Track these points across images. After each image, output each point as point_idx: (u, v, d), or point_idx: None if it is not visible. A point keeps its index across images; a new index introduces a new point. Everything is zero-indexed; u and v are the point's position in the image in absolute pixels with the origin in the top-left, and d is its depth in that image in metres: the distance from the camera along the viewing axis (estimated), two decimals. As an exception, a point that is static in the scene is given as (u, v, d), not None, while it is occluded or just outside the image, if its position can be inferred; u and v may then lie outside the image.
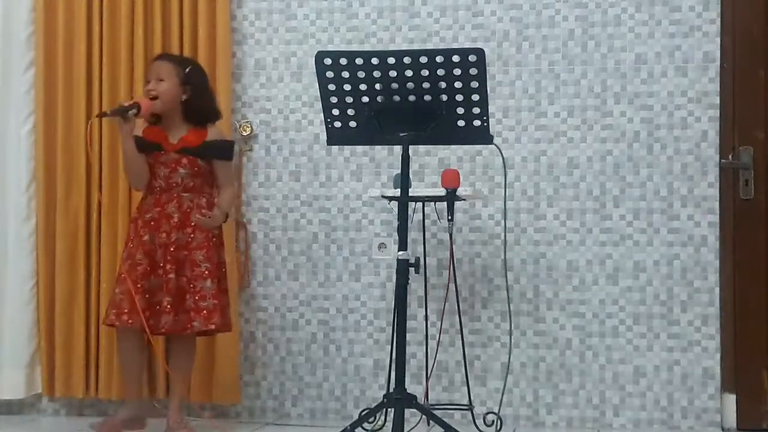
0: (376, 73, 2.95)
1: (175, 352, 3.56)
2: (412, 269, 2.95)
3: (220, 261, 3.53)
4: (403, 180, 3.04)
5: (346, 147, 3.91)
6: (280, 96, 3.99)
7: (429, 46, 3.84)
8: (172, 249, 3.43)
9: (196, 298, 3.41)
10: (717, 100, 3.74)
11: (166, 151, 3.48)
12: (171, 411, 3.50)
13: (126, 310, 3.36)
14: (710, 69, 3.74)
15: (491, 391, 3.80)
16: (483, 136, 3.05)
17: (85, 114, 3.93)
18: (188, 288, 3.42)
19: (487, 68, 2.94)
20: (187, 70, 3.52)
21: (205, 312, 3.40)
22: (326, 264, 3.94)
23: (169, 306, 3.38)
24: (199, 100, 3.52)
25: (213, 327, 3.42)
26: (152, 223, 3.46)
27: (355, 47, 3.87)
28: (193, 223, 3.46)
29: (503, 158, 3.58)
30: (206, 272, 3.43)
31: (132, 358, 3.54)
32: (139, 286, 3.37)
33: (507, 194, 3.75)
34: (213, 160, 3.53)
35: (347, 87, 2.99)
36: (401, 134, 3.01)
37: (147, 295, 3.39)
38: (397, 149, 3.18)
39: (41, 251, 3.96)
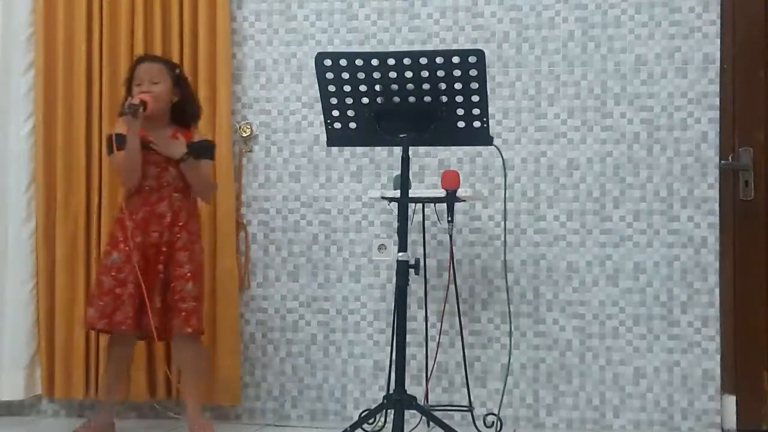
0: (376, 75, 2.95)
1: (179, 353, 3.54)
2: (412, 270, 2.94)
3: (201, 264, 3.55)
4: (403, 181, 3.04)
5: (346, 148, 3.91)
6: (280, 97, 3.99)
7: (429, 47, 3.84)
8: (164, 249, 3.42)
9: (176, 298, 3.40)
10: (717, 102, 3.74)
11: (157, 151, 3.46)
12: (189, 413, 3.48)
13: (131, 315, 3.36)
14: (710, 70, 3.74)
15: (491, 392, 3.80)
16: (483, 138, 3.05)
17: (85, 115, 3.93)
18: (170, 287, 3.41)
19: (487, 69, 2.94)
20: (177, 71, 3.57)
21: (184, 314, 3.39)
22: (326, 265, 3.94)
23: (160, 306, 3.39)
24: (187, 101, 3.56)
25: (190, 330, 3.41)
26: (142, 222, 3.45)
27: (355, 48, 3.87)
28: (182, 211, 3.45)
29: (503, 159, 3.58)
30: (189, 274, 3.43)
31: (122, 360, 3.55)
32: (131, 287, 3.37)
33: (507, 195, 3.75)
34: (199, 161, 3.52)
35: (347, 88, 2.99)
36: (401, 135, 3.00)
37: (139, 296, 3.38)
38: (397, 150, 3.18)
39: (41, 252, 3.96)
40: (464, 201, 3.63)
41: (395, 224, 3.75)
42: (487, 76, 2.95)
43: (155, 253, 3.42)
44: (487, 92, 2.96)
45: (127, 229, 3.43)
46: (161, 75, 3.50)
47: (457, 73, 2.92)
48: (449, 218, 3.52)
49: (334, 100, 3.03)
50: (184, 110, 3.55)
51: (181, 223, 3.47)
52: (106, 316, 3.39)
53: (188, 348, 3.50)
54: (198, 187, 3.55)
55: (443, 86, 2.94)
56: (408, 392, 2.97)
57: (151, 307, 3.37)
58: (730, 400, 3.72)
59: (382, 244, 3.91)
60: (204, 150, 3.56)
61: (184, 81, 3.60)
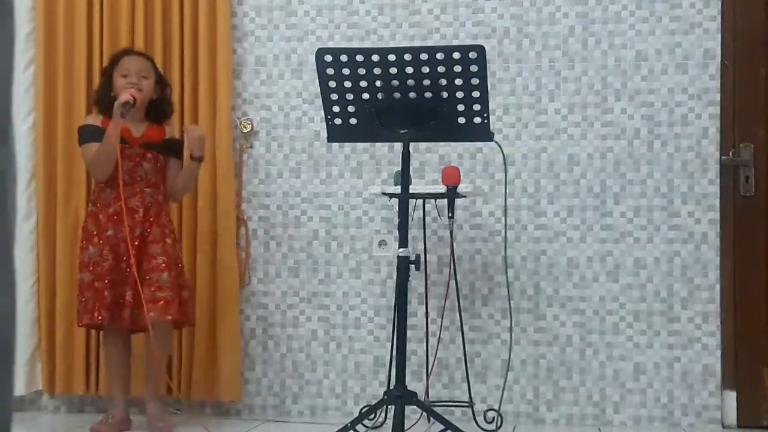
0: (377, 70, 2.95)
1: (156, 341, 3.51)
2: (412, 266, 2.94)
3: (177, 256, 3.55)
4: (404, 177, 3.04)
5: (346, 144, 3.91)
6: (280, 93, 3.99)
7: (429, 43, 3.84)
8: (135, 243, 3.42)
9: (152, 289, 3.39)
10: (717, 97, 3.73)
11: (131, 144, 3.49)
12: (152, 408, 3.50)
13: (97, 308, 3.39)
14: (711, 66, 3.74)
15: (491, 388, 3.80)
16: (483, 133, 3.05)
17: (86, 112, 3.92)
18: (144, 280, 3.41)
19: (488, 65, 2.94)
20: (160, 69, 3.63)
21: (162, 302, 3.39)
22: (326, 261, 3.94)
23: (131, 300, 3.39)
24: (164, 99, 3.61)
25: (169, 318, 3.40)
26: (115, 217, 3.45)
27: (355, 44, 3.87)
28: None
29: (504, 155, 3.58)
30: (163, 265, 3.43)
31: (120, 357, 3.56)
32: (106, 281, 3.39)
33: (507, 191, 3.75)
34: (170, 158, 3.61)
35: (348, 84, 2.99)
36: (402, 131, 3.00)
37: (113, 290, 3.41)
38: (398, 146, 3.17)
39: (41, 249, 3.96)
40: (465, 197, 3.63)
41: (396, 220, 3.75)
42: (488, 72, 2.95)
43: (126, 247, 3.41)
44: (487, 88, 2.96)
45: (100, 222, 3.46)
46: (149, 70, 3.55)
47: (457, 69, 2.91)
48: (450, 214, 3.52)
49: (334, 96, 3.03)
50: (161, 108, 3.60)
51: (151, 218, 3.50)
52: (88, 311, 3.42)
53: (164, 338, 3.48)
54: (187, 188, 3.64)
55: (444, 82, 2.94)
56: (408, 388, 2.97)
57: (124, 300, 3.39)
58: (731, 396, 3.72)
59: (383, 240, 3.90)
60: (180, 149, 3.65)
61: (164, 79, 3.65)
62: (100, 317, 3.37)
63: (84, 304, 3.44)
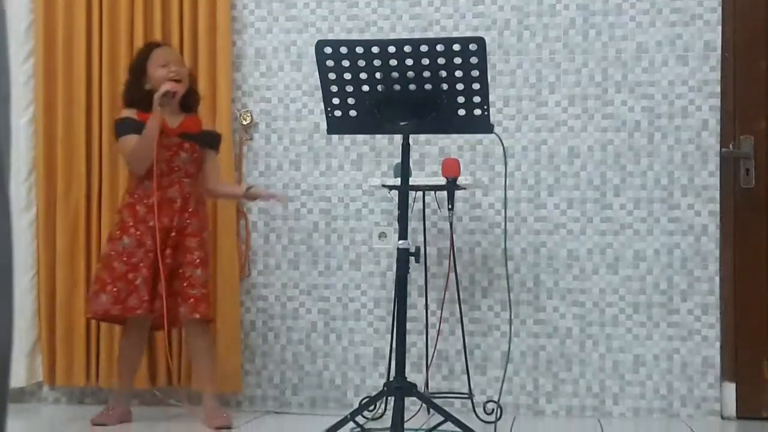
0: (377, 62, 2.95)
1: (191, 340, 3.54)
2: (412, 258, 2.94)
3: (209, 251, 3.58)
4: (404, 169, 3.04)
5: (346, 136, 3.90)
6: (280, 85, 3.99)
7: (430, 34, 3.83)
8: (172, 234, 3.42)
9: (184, 285, 3.40)
10: (718, 89, 3.73)
11: (168, 134, 3.48)
12: (206, 402, 3.50)
13: (146, 299, 3.37)
14: (711, 58, 3.73)
15: (491, 379, 3.81)
16: (483, 126, 3.05)
17: (85, 103, 3.92)
18: (177, 273, 3.41)
19: (488, 57, 2.94)
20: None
21: (192, 300, 3.39)
22: (326, 253, 3.94)
23: (161, 291, 3.39)
24: (194, 89, 3.62)
25: (198, 316, 3.41)
26: (154, 207, 3.45)
27: (355, 36, 3.87)
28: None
29: (504, 147, 3.57)
30: (198, 260, 3.44)
31: (137, 349, 3.56)
32: (151, 271, 3.39)
33: (507, 183, 3.74)
34: (207, 150, 3.59)
35: (347, 76, 2.98)
36: (401, 123, 3.00)
37: (153, 281, 3.41)
38: (398, 138, 3.17)
39: (42, 241, 3.96)
40: (464, 189, 3.63)
41: (395, 212, 3.75)
42: (488, 64, 2.94)
43: (164, 238, 3.41)
44: (487, 80, 2.95)
45: (138, 213, 3.43)
46: (182, 61, 3.60)
47: (457, 60, 2.91)
48: (449, 206, 3.52)
49: (334, 88, 3.02)
50: (191, 97, 3.60)
51: (191, 209, 3.49)
52: (120, 302, 3.39)
53: (199, 335, 3.50)
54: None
55: (444, 74, 2.93)
56: (408, 380, 2.97)
57: (161, 292, 3.38)
58: (730, 388, 3.72)
59: (383, 232, 3.91)
60: (217, 142, 3.65)
61: (190, 69, 3.68)
62: (144, 304, 3.36)
63: (116, 294, 3.38)
